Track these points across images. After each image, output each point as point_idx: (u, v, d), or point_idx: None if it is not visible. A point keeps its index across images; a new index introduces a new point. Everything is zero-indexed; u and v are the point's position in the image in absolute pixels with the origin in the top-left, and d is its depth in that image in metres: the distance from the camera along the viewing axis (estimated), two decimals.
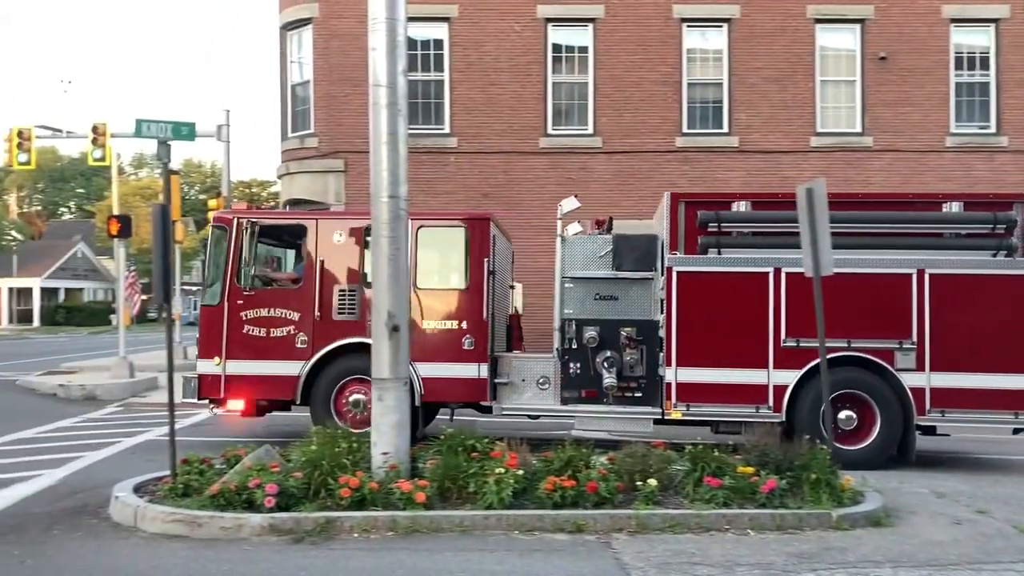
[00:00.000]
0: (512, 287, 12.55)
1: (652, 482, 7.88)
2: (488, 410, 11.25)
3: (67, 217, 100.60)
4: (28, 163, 26.41)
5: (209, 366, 11.25)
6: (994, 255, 10.35)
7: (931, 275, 10.34)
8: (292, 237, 12.11)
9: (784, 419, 10.36)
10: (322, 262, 11.39)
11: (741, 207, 10.72)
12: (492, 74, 18.76)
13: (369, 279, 10.67)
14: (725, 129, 18.92)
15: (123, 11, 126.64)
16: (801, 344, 10.32)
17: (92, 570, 6.20)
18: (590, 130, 18.83)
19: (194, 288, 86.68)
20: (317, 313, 11.25)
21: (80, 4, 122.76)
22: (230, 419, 12.50)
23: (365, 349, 10.21)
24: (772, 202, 10.68)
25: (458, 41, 18.76)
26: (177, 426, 8.41)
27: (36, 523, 7.47)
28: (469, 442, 8.48)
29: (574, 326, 11.00)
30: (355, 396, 11.22)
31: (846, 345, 10.31)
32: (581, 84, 18.89)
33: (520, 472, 7.86)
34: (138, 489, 8.07)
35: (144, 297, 23.94)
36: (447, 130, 18.73)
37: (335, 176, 18.50)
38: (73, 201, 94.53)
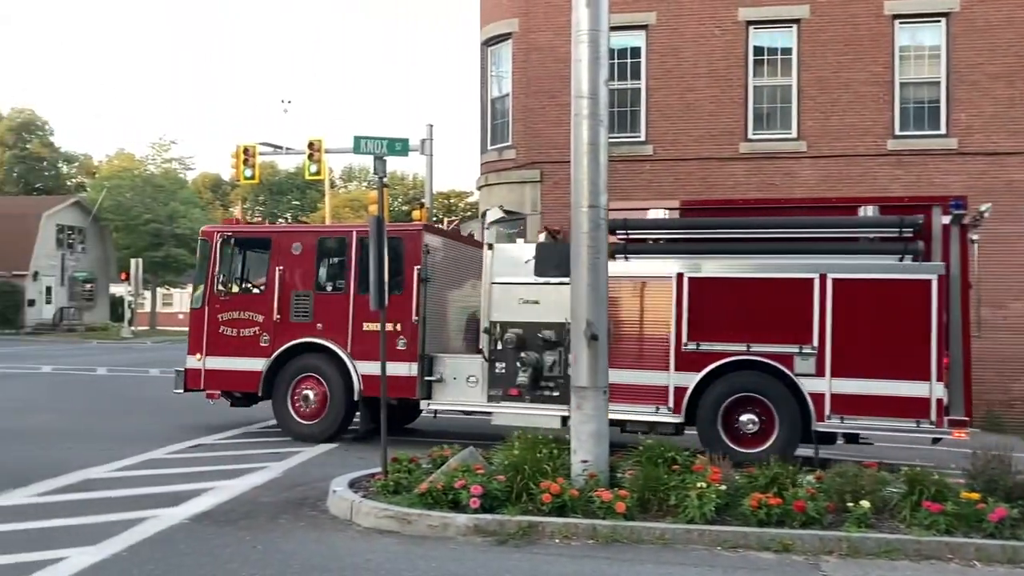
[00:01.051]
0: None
1: (865, 504, 7.50)
2: (416, 406, 12.39)
3: None
4: (252, 178, 28.82)
5: (192, 361, 12.85)
6: (900, 259, 10.16)
7: (833, 280, 10.26)
8: (261, 248, 13.24)
9: (683, 420, 10.62)
10: (281, 270, 12.73)
11: (660, 215, 11.23)
12: (690, 79, 18.52)
13: (321, 286, 12.65)
14: (942, 130, 17.72)
15: (334, 36, 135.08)
16: (701, 348, 10.58)
17: (314, 559, 6.64)
18: (794, 134, 18.18)
19: None
20: (277, 316, 12.61)
21: (297, 33, 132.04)
22: (420, 422, 13.02)
23: (316, 348, 12.25)
24: (687, 209, 11.40)
25: (656, 48, 18.66)
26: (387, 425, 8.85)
27: (264, 512, 8.09)
28: (669, 454, 8.40)
29: (499, 328, 11.60)
30: (305, 391, 12.44)
31: (745, 349, 10.39)
32: (784, 87, 18.27)
33: (723, 487, 7.70)
34: (353, 484, 8.56)
35: None
36: (643, 137, 18.65)
37: (531, 186, 18.86)
38: (289, 212, 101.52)
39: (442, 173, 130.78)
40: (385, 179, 9.68)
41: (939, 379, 9.84)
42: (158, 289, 61.55)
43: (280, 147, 29.99)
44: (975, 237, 10.40)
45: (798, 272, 10.31)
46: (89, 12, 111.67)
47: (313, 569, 6.35)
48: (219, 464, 10.33)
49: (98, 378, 22.17)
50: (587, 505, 7.64)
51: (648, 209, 11.34)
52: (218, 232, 13.36)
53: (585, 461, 8.20)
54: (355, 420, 12.62)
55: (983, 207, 10.57)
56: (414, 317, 12.12)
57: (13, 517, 7.60)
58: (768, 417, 10.47)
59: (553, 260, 11.40)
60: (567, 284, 8.92)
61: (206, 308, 12.97)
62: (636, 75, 18.69)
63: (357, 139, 21.46)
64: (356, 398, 12.21)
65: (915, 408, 9.94)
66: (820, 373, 10.22)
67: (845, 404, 10.19)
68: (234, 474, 9.70)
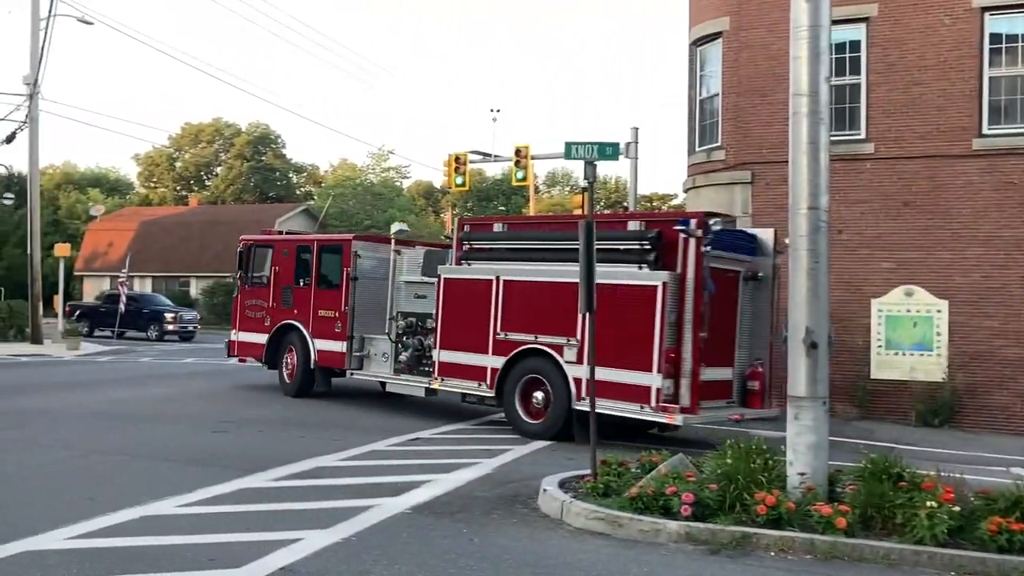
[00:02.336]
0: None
1: None
2: (343, 374, 16.26)
3: None
4: (463, 185, 29.80)
5: (232, 335, 18.34)
6: (639, 268, 12.12)
7: (599, 284, 11.90)
8: (266, 253, 18.04)
9: (495, 394, 13.43)
10: (276, 269, 17.59)
11: (496, 228, 14.09)
12: (915, 72, 17.31)
13: (297, 281, 17.13)
14: None
15: (540, 43, 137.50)
16: (508, 337, 13.37)
17: (527, 555, 6.76)
18: None
19: None
20: (272, 303, 17.53)
21: (503, 42, 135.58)
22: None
23: (294, 328, 16.97)
24: (518, 224, 14.68)
25: (877, 41, 17.60)
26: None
27: (479, 506, 8.34)
28: (895, 470, 7.89)
29: (400, 316, 15.40)
30: (287, 359, 17.25)
31: (534, 339, 13.08)
32: None
33: (956, 508, 7.14)
34: (562, 485, 8.66)
35: None
36: (862, 135, 17.64)
37: (741, 188, 18.32)
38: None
39: (646, 176, 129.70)
40: (594, 183, 9.73)
41: (659, 371, 11.70)
42: None
43: (489, 155, 30.79)
44: (706, 249, 11.87)
45: (569, 277, 12.29)
46: (311, 29, 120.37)
47: (525, 565, 6.47)
48: (436, 458, 10.76)
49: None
50: (804, 519, 7.32)
51: (492, 223, 14.36)
52: (243, 241, 18.55)
53: (803, 473, 7.86)
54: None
55: (716, 227, 12.04)
56: (343, 307, 16.18)
57: (254, 498, 8.27)
58: (547, 395, 12.86)
59: (434, 263, 14.89)
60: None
61: (239, 296, 18.32)
62: (855, 70, 17.71)
63: (568, 145, 21.43)
64: (312, 366, 16.72)
65: (641, 395, 11.84)
66: (580, 361, 12.41)
67: (591, 388, 11.07)
68: (450, 468, 10.07)
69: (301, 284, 17.06)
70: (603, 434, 12.71)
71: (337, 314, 16.24)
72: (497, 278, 13.62)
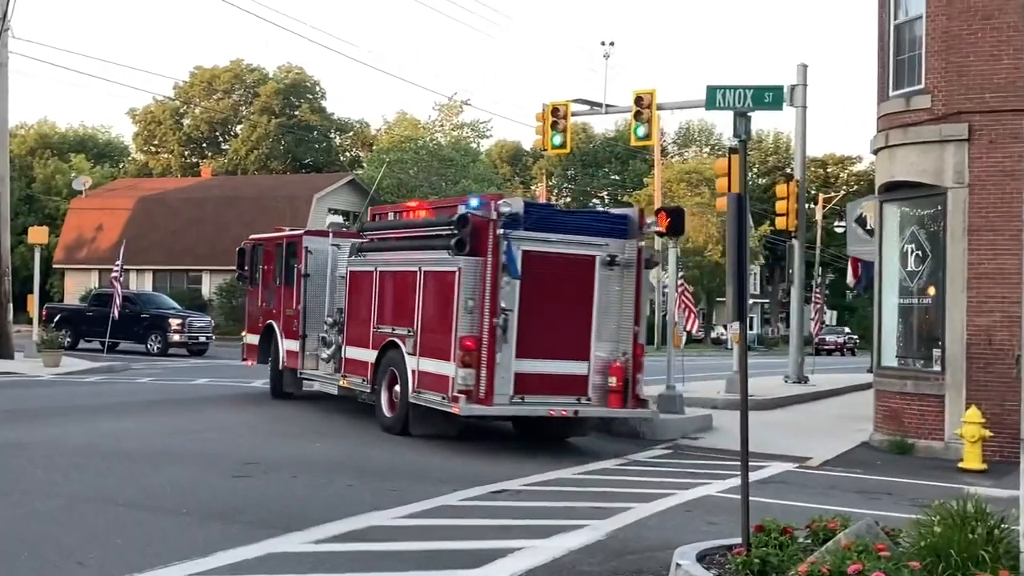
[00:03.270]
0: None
1: None
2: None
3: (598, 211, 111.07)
4: (563, 146, 29.78)
5: (246, 337, 23.72)
6: (451, 253, 15.32)
7: (424, 272, 16.24)
8: (261, 253, 22.83)
9: (371, 388, 17.16)
10: (263, 268, 22.40)
11: (390, 216, 18.12)
12: None
13: (276, 280, 21.87)
14: None
15: None
16: (380, 329, 17.04)
17: None
18: None
19: (757, 302, 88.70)
20: (262, 303, 22.51)
21: None
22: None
23: (272, 329, 21.83)
24: (404, 211, 18.59)
25: None
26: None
27: None
28: None
29: (337, 313, 19.40)
30: (270, 360, 21.97)
31: (391, 331, 16.76)
32: None
33: None
34: (703, 558, 8.58)
35: (694, 309, 25.43)
36: None
37: (955, 147, 17.82)
38: (607, 190, 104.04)
39: (819, 132, 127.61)
40: (746, 142, 9.67)
41: (454, 359, 14.95)
42: None
43: (598, 105, 30.66)
44: (500, 232, 14.97)
45: (410, 266, 16.45)
46: None
47: None
48: (529, 517, 10.81)
49: None
50: None
51: (388, 212, 18.75)
52: (244, 242, 23.89)
53: None
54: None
55: (504, 208, 15.01)
56: (295, 305, 20.48)
57: (286, 566, 8.43)
58: (401, 388, 16.42)
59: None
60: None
61: (247, 298, 24.11)
62: None
63: (712, 90, 21.18)
64: (280, 367, 21.47)
65: (444, 385, 15.25)
66: (415, 352, 15.98)
67: (421, 379, 15.96)
68: (548, 531, 10.11)
69: (277, 283, 21.88)
70: (534, 436, 17.23)
71: (291, 313, 20.96)
72: (375, 270, 17.80)
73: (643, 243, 16.25)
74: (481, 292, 15.04)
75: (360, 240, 19.41)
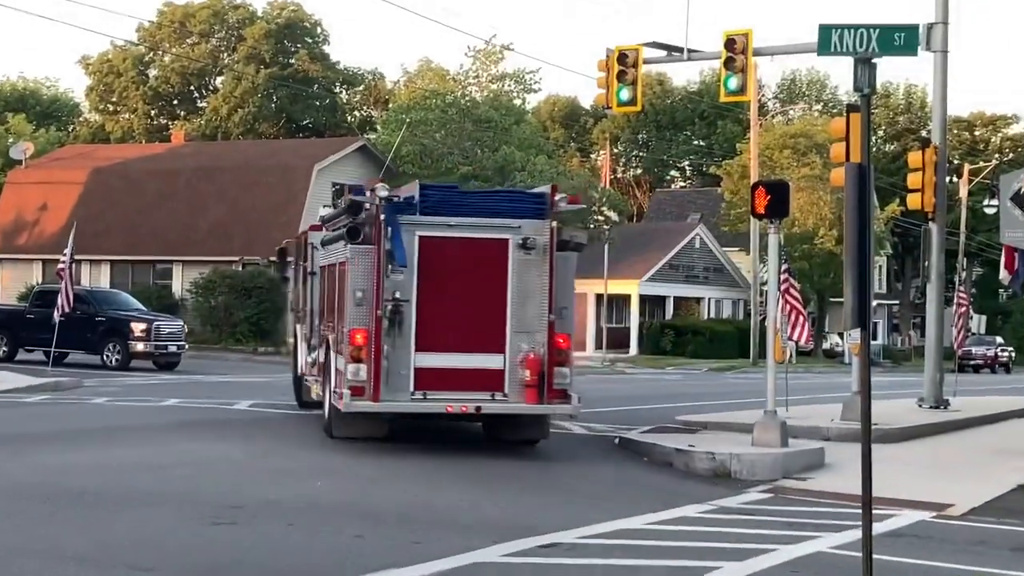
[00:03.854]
0: None
1: None
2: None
3: (678, 186, 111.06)
4: (632, 103, 29.82)
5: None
6: (344, 244, 18.57)
7: (337, 264, 19.92)
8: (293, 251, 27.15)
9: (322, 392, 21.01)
10: (292, 269, 26.52)
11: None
12: None
13: (295, 282, 26.49)
14: None
15: None
16: (322, 328, 21.34)
17: None
18: None
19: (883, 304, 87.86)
20: (289, 306, 28.58)
21: None
22: None
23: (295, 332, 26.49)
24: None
25: None
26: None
27: None
28: None
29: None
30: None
31: (325, 329, 20.58)
32: None
33: None
34: None
35: (803, 315, 25.21)
36: None
37: None
38: (688, 159, 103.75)
39: (964, 85, 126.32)
40: (870, 96, 9.59)
41: (342, 353, 18.26)
42: None
43: (678, 50, 30.59)
44: (382, 217, 17.75)
45: (337, 258, 19.72)
46: None
47: None
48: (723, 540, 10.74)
49: None
50: None
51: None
52: (285, 240, 27.20)
53: None
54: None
55: (383, 192, 17.80)
56: (302, 305, 24.05)
57: None
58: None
59: None
60: None
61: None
62: None
63: (825, 30, 21.01)
64: (298, 373, 24.91)
65: (341, 380, 18.17)
66: (336, 350, 19.06)
67: (337, 378, 18.84)
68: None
69: (295, 284, 26.32)
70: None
71: (303, 314, 24.39)
72: (325, 265, 21.71)
73: (554, 224, 18.34)
74: (371, 282, 17.85)
75: (323, 233, 22.42)
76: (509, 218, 18.23)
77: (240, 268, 54.72)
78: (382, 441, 18.66)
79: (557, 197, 18.56)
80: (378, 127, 76.16)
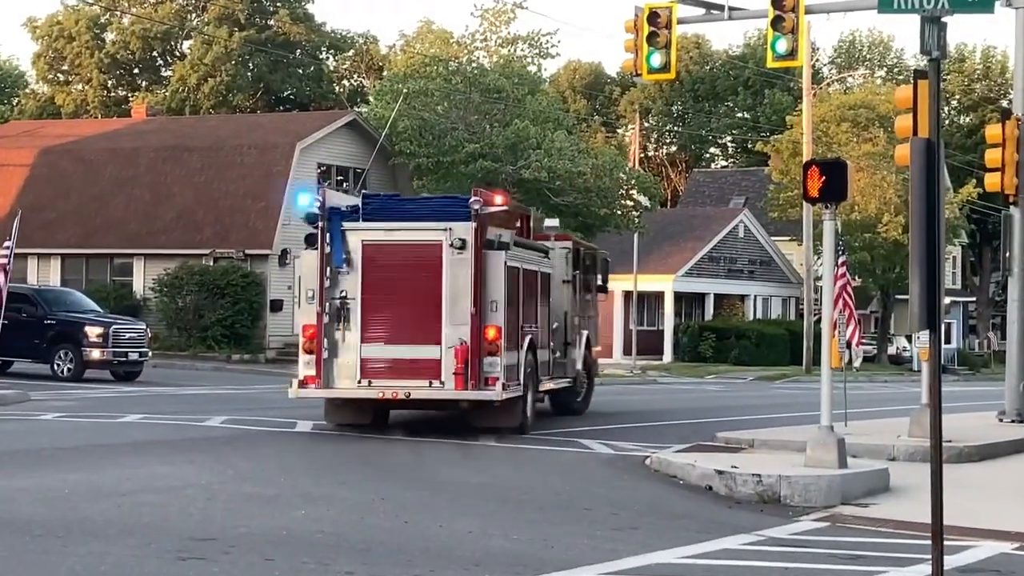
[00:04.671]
0: None
1: None
2: None
3: (719, 165, 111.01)
4: (665, 69, 29.82)
5: None
6: (304, 249, 25.21)
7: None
8: None
9: None
10: None
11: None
12: None
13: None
14: None
15: None
16: None
17: None
18: None
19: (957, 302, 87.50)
20: None
21: None
22: None
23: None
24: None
25: None
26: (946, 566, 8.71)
27: None
28: None
29: None
30: None
31: None
32: None
33: None
34: None
35: (854, 312, 25.16)
36: None
37: None
38: (730, 133, 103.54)
39: None
40: (940, 61, 9.55)
41: (303, 348, 24.01)
42: None
43: (718, 7, 30.59)
44: (322, 224, 23.66)
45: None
46: None
47: None
48: None
49: None
50: None
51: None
52: None
53: None
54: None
55: (334, 200, 23.75)
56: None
57: None
58: None
59: None
60: None
61: None
62: None
63: None
64: None
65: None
66: None
67: None
68: None
69: None
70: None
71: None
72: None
73: (475, 224, 23.62)
74: (317, 283, 23.70)
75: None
76: (443, 221, 23.93)
77: (211, 263, 54.53)
78: (372, 463, 18.63)
79: (472, 199, 24.07)
80: (371, 99, 76.22)
